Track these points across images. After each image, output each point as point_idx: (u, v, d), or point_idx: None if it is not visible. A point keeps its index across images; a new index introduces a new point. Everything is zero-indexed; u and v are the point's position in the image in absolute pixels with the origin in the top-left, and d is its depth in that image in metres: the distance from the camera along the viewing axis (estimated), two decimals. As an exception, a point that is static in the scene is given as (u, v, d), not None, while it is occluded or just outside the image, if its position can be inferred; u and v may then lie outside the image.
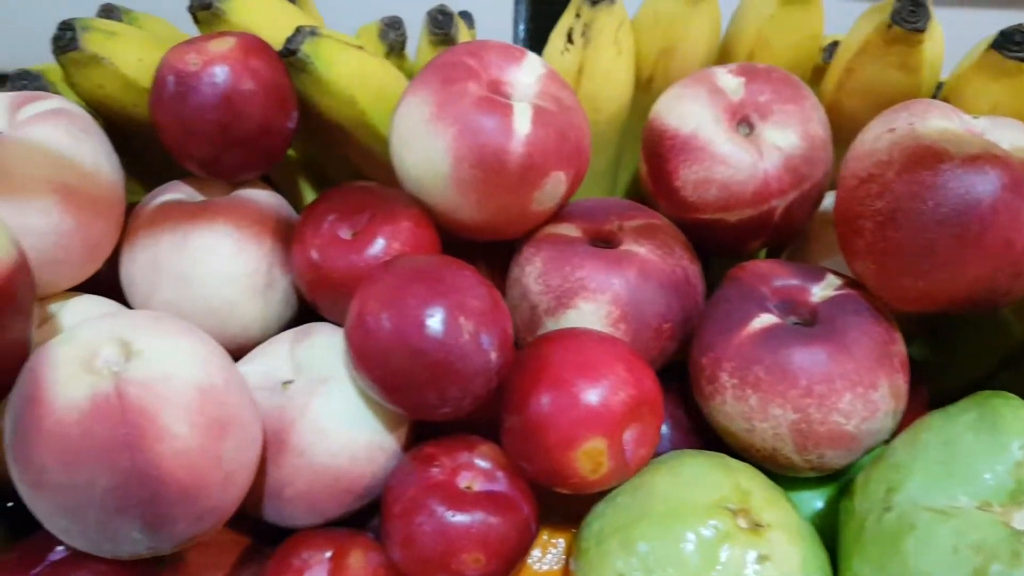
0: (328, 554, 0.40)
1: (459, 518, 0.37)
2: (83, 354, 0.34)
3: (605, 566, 0.37)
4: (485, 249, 0.46)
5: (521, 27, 0.79)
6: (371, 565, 0.39)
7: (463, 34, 0.51)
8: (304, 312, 0.45)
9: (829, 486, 0.42)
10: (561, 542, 0.43)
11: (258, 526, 0.43)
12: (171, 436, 0.32)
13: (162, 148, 0.45)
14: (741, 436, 0.40)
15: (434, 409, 0.37)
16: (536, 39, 0.75)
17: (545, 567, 0.42)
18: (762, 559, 0.35)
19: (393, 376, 0.37)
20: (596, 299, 0.41)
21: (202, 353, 0.35)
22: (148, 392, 0.33)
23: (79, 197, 0.39)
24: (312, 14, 0.54)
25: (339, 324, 0.43)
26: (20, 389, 0.33)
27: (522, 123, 0.40)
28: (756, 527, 0.36)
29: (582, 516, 0.42)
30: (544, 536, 0.42)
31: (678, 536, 0.36)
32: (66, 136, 0.40)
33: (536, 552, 0.43)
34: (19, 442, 0.32)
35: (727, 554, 0.35)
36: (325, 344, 0.41)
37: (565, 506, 0.42)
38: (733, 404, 0.39)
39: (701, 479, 0.38)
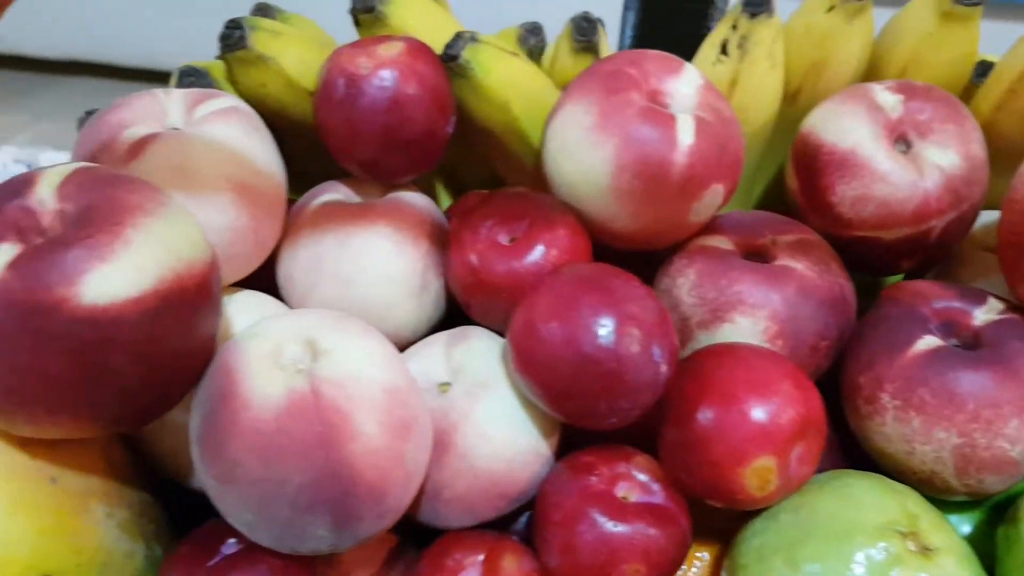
0: (480, 557, 0.40)
1: (622, 528, 0.38)
2: (271, 350, 0.34)
3: (767, 582, 0.37)
4: (622, 258, 0.47)
5: (628, 33, 0.79)
6: (524, 569, 0.40)
7: (603, 42, 0.51)
8: (449, 315, 0.46)
9: (978, 511, 0.42)
10: (706, 555, 0.43)
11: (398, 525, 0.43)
12: (363, 436, 0.33)
13: (312, 148, 0.46)
14: (899, 458, 0.40)
15: (602, 419, 0.38)
16: (642, 46, 0.75)
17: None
18: (935, 584, 0.35)
19: (562, 384, 0.37)
20: (754, 314, 0.41)
21: (384, 354, 0.36)
22: (341, 391, 0.33)
23: (253, 194, 0.40)
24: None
25: (491, 328, 0.43)
26: (212, 384, 0.34)
27: (685, 134, 0.40)
28: (926, 551, 0.36)
29: (723, 530, 0.42)
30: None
31: (848, 558, 0.36)
32: (241, 134, 0.40)
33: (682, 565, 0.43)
34: (211, 436, 0.33)
35: (899, 568, 0.35)
36: (482, 348, 0.41)
37: (706, 520, 0.42)
38: (894, 425, 0.39)
39: (868, 501, 0.37)
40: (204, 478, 0.34)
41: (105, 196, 0.32)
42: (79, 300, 0.30)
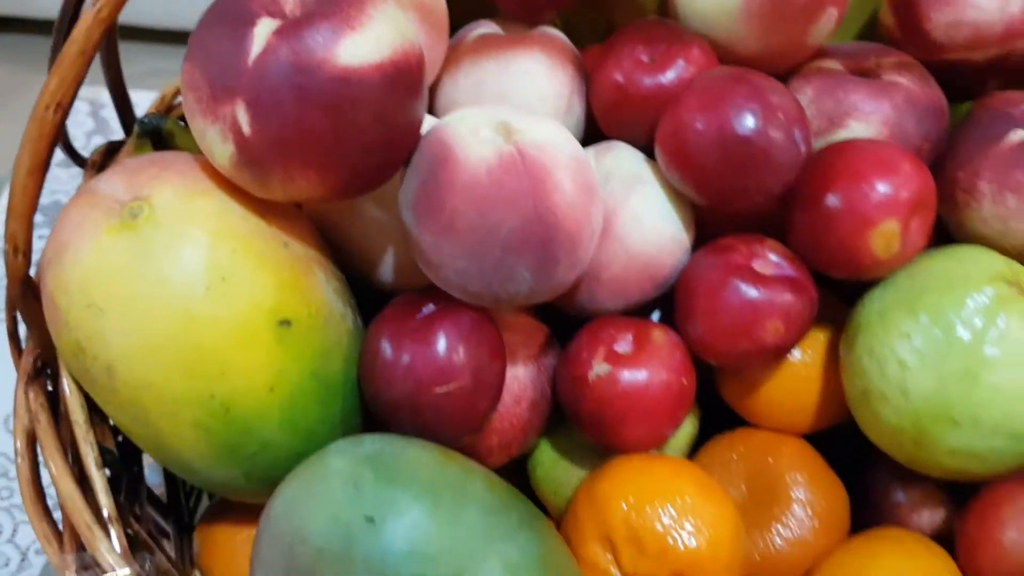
0: (630, 334, 0.46)
1: (763, 292, 0.44)
2: (472, 129, 0.40)
3: (891, 334, 0.43)
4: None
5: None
6: (671, 340, 0.46)
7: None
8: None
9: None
10: (820, 336, 0.49)
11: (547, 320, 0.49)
12: (562, 190, 0.39)
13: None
14: (992, 237, 0.46)
15: (749, 197, 0.43)
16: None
17: (805, 370, 0.49)
18: (1039, 319, 0.41)
19: (714, 167, 0.43)
20: (868, 119, 0.47)
21: (566, 132, 0.42)
22: (543, 153, 0.39)
23: (431, 17, 0.46)
24: None
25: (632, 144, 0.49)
26: (427, 154, 0.40)
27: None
28: (1030, 296, 0.42)
29: (834, 319, 0.48)
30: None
31: (960, 302, 0.42)
32: (418, -39, 0.46)
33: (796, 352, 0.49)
34: (430, 196, 0.39)
35: (1006, 313, 0.41)
36: (629, 154, 0.47)
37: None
38: (990, 208, 0.45)
39: (975, 257, 0.44)
40: (420, 238, 0.40)
41: (345, -16, 0.38)
42: (336, 61, 0.36)
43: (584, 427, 0.46)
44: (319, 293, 0.41)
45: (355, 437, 0.40)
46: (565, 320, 0.49)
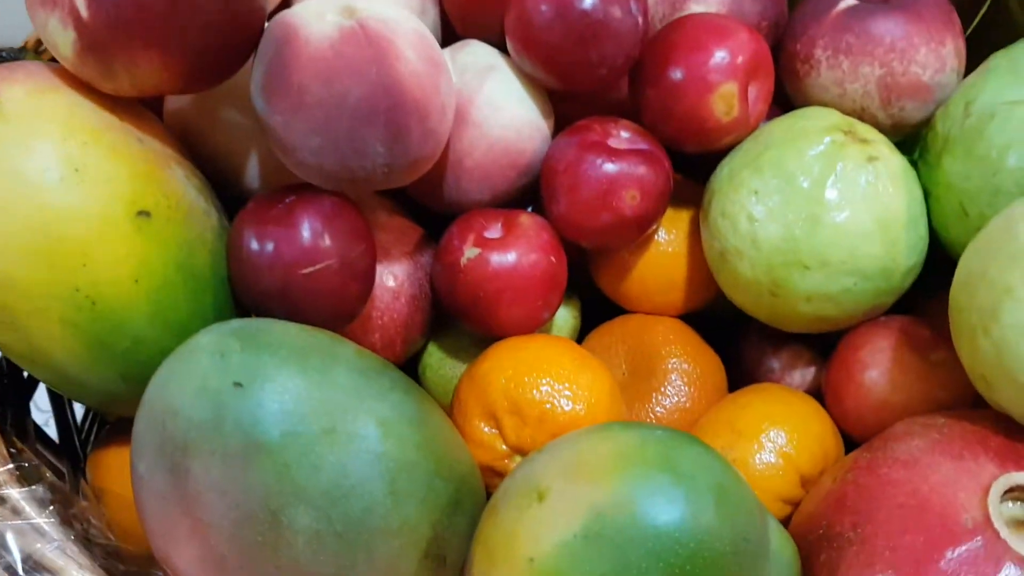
0: (499, 222, 0.48)
1: (619, 164, 0.45)
2: (317, 12, 0.41)
3: (740, 192, 0.45)
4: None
5: None
6: (538, 222, 0.47)
7: None
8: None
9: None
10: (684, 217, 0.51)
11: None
12: (405, 59, 0.40)
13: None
14: (832, 102, 0.48)
15: (594, 71, 0.45)
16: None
17: (671, 248, 0.51)
18: (872, 159, 0.44)
19: (559, 44, 0.44)
20: (707, 1, 0.49)
21: (410, 14, 0.43)
22: (384, 26, 0.40)
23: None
24: None
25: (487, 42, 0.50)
26: (271, 39, 0.40)
27: None
28: (863, 141, 0.44)
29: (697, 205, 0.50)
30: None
31: (801, 152, 0.44)
32: None
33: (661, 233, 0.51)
34: (276, 76, 0.40)
35: (843, 159, 0.43)
36: (482, 48, 0.49)
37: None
38: (827, 73, 0.48)
39: (813, 115, 0.46)
40: (272, 121, 0.40)
41: None
42: (168, -63, 0.36)
43: (462, 314, 0.47)
44: (178, 187, 0.42)
45: (226, 321, 0.40)
46: (441, 222, 0.50)
